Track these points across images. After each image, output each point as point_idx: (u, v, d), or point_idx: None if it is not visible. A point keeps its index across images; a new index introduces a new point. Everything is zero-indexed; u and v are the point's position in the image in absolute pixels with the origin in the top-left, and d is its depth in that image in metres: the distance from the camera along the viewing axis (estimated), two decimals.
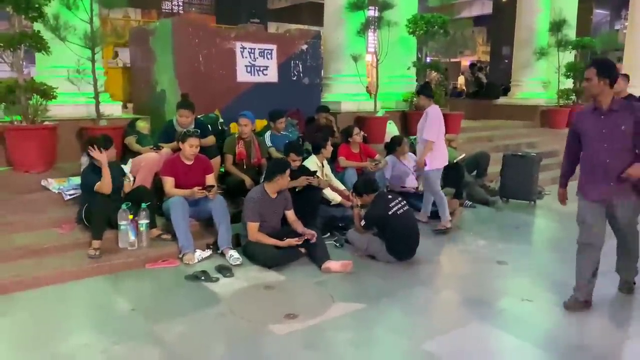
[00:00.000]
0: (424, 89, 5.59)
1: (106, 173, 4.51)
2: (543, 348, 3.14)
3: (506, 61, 14.92)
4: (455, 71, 16.38)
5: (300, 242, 4.50)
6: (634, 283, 3.90)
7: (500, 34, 16.03)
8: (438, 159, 5.43)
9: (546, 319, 3.61)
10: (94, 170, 4.58)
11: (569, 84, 11.13)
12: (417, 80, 9.01)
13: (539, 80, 11.46)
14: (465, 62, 18.12)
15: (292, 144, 5.41)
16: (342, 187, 5.70)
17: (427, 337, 3.25)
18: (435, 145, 5.38)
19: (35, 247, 4.35)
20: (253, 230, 4.49)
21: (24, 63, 5.31)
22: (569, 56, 11.19)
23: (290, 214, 4.75)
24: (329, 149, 5.64)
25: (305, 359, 2.96)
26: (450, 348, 3.12)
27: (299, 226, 4.67)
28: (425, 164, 5.41)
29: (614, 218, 3.55)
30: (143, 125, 5.73)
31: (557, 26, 10.74)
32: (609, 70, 3.35)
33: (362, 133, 6.33)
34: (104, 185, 4.50)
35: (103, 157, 4.52)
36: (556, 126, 10.74)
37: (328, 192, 5.43)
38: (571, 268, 3.58)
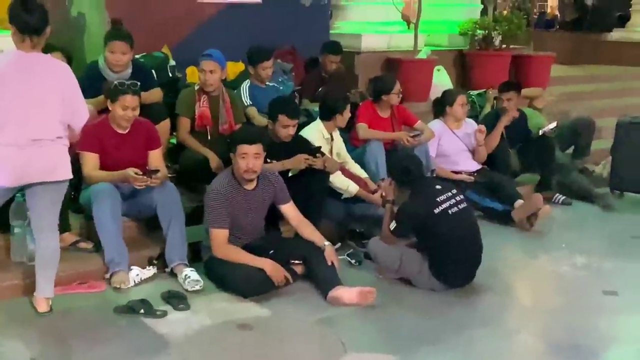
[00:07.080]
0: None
1: None
2: None
3: None
4: None
5: (301, 272, 4.58)
6: None
7: None
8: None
9: None
10: None
11: None
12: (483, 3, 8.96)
13: None
14: None
15: (283, 100, 5.42)
16: (362, 174, 5.70)
17: None
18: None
19: None
20: (219, 241, 4.49)
21: None
22: None
23: (290, 211, 4.77)
24: (346, 115, 5.55)
25: None
26: None
27: (310, 233, 4.69)
28: None
29: None
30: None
31: None
32: None
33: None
34: None
35: None
36: None
37: (337, 180, 5.42)
38: None
